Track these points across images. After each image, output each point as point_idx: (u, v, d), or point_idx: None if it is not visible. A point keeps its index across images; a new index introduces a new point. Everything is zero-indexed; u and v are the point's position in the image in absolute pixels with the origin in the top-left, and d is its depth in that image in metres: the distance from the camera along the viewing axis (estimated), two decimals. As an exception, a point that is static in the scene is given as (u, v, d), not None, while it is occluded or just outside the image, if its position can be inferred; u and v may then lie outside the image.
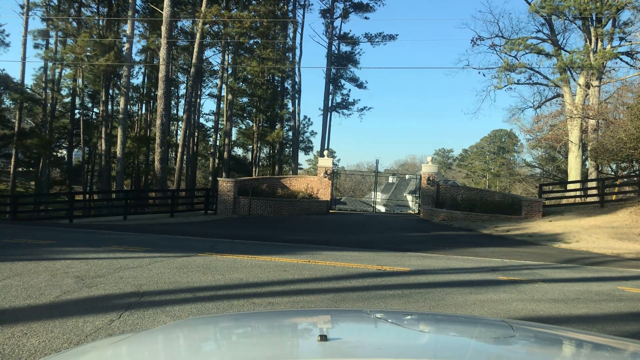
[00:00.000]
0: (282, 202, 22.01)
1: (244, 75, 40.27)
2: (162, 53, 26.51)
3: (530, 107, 34.46)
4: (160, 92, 26.65)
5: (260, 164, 47.57)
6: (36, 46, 34.05)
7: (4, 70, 38.60)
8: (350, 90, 41.89)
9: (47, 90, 35.16)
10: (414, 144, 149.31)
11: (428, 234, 15.62)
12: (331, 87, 42.61)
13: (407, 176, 70.99)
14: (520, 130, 55.91)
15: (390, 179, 73.94)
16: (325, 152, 26.08)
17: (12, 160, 35.02)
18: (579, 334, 1.99)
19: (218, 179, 23.36)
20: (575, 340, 1.75)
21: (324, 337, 1.37)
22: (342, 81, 44.02)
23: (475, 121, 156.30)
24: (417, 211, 27.37)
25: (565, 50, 30.52)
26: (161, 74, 26.69)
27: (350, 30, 54.87)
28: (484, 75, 29.97)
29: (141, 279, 5.99)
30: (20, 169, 45.98)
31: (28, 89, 37.38)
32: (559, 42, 30.95)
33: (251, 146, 45.77)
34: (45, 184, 36.65)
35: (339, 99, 43.90)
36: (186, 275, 6.41)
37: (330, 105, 42.25)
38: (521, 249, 12.19)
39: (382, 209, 46.67)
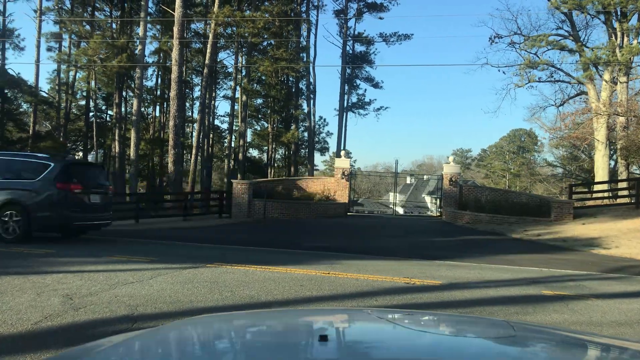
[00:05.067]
0: (299, 204, 21.25)
1: (258, 77, 39.72)
2: (175, 54, 26.01)
3: (552, 105, 33.22)
4: (173, 93, 26.15)
5: (275, 165, 46.92)
6: (49, 49, 33.95)
7: (19, 73, 38.60)
8: (366, 90, 41.49)
9: (61, 94, 35.01)
10: (431, 144, 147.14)
11: (454, 239, 14.71)
12: (346, 87, 41.74)
13: (425, 177, 70.00)
14: (541, 129, 54.43)
15: (408, 180, 72.87)
16: (342, 153, 25.26)
17: (28, 163, 34.96)
18: (581, 334, 1.98)
19: (232, 180, 22.72)
20: (577, 340, 1.75)
21: (324, 337, 1.36)
22: (358, 81, 43.18)
23: (493, 121, 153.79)
24: (437, 213, 26.42)
25: (587, 47, 29.26)
26: (174, 75, 26.20)
27: (365, 30, 53.68)
28: (503, 73, 29.41)
29: (138, 297, 5.25)
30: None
31: (44, 93, 37.28)
32: (581, 39, 29.70)
33: (266, 147, 45.18)
34: (61, 187, 36.51)
35: (354, 99, 43.06)
36: (190, 291, 5.66)
37: (345, 105, 41.41)
38: (558, 255, 11.23)
39: (401, 210, 45.73)
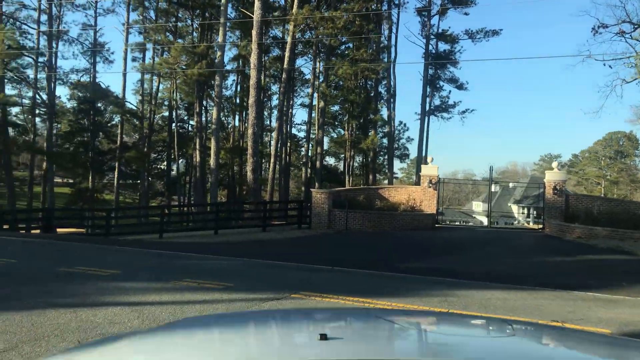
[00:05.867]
0: (382, 215, 19.55)
1: (336, 82, 38.62)
2: (253, 59, 25.45)
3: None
4: (251, 99, 25.58)
5: (353, 173, 45.53)
6: (134, 59, 34.98)
7: (108, 86, 40.50)
8: (450, 92, 38.77)
9: (145, 104, 35.96)
10: (513, 150, 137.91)
11: (574, 259, 12.32)
12: (428, 90, 39.37)
13: (510, 184, 65.52)
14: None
15: (492, 188, 68.46)
16: (429, 159, 23.21)
17: (116, 172, 36.21)
18: (580, 333, 2.02)
19: (311, 190, 21.57)
20: (577, 338, 1.75)
21: (324, 336, 1.36)
22: (441, 82, 40.56)
23: (585, 125, 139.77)
24: (526, 223, 23.59)
25: None
26: (252, 81, 25.65)
27: (449, 28, 50.30)
28: (610, 67, 25.85)
29: (205, 352, 3.90)
30: (129, 182, 48.19)
31: (130, 104, 38.62)
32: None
33: (343, 155, 43.92)
34: (146, 196, 37.51)
35: (437, 101, 40.50)
36: (273, 341, 4.25)
37: (427, 108, 39.01)
38: None
39: (485, 220, 42.60)
